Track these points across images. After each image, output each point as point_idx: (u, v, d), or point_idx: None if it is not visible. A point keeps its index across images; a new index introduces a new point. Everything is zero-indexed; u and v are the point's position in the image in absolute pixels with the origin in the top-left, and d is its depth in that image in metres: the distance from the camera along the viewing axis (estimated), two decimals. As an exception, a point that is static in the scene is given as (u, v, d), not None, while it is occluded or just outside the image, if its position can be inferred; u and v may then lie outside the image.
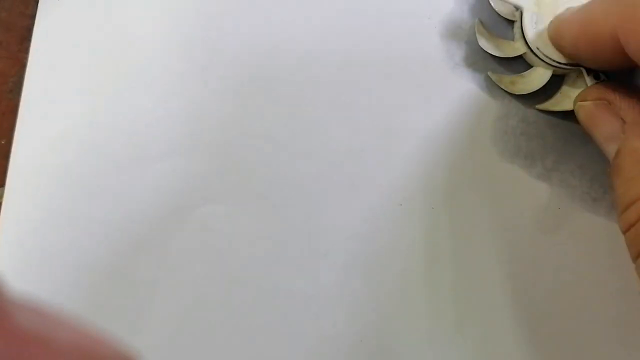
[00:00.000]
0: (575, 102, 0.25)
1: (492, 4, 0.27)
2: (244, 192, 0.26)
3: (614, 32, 0.21)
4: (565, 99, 0.26)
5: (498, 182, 0.27)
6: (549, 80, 0.26)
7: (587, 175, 0.27)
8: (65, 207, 0.26)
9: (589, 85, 0.25)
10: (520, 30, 0.26)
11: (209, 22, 0.27)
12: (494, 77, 0.27)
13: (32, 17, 0.27)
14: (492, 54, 0.26)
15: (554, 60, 0.25)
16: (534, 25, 0.25)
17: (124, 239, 0.26)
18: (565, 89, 0.26)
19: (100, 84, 0.26)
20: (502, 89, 0.27)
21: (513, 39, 0.27)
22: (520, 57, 0.27)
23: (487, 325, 0.26)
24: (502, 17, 0.27)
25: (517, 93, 0.26)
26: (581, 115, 0.24)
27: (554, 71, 0.26)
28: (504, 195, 0.27)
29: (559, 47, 0.25)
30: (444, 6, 0.27)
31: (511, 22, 0.27)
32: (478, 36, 0.26)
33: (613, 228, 0.26)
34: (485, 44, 0.26)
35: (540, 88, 0.26)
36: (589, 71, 0.25)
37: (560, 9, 0.25)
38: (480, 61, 0.27)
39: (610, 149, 0.23)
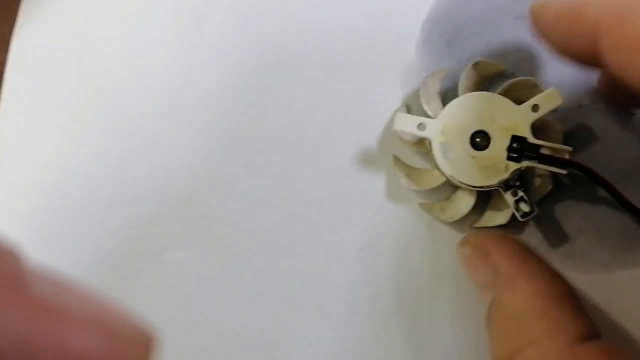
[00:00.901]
0: (457, 245, 0.25)
1: (399, 136, 0.27)
2: (208, 239, 0.28)
3: (596, 27, 0.19)
4: (497, 214, 0.26)
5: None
6: (478, 197, 0.26)
7: (542, 224, 0.27)
8: (32, 253, 0.27)
9: (508, 202, 0.25)
10: (434, 159, 0.26)
11: (175, 71, 0.28)
12: (424, 207, 0.27)
13: (3, 63, 0.28)
14: (414, 189, 0.27)
15: (471, 185, 0.26)
16: (445, 155, 0.26)
17: (89, 283, 0.27)
18: (491, 205, 0.27)
19: (69, 133, 0.28)
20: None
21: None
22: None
23: None
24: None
25: (448, 221, 0.27)
26: (460, 260, 0.25)
27: (477, 190, 0.26)
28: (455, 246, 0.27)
29: (536, 27, 0.22)
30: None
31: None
32: (397, 174, 0.27)
33: (567, 275, 0.25)
34: (405, 182, 0.27)
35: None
36: (507, 188, 0.25)
37: (466, 137, 0.26)
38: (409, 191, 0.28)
39: (485, 298, 0.23)
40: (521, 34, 0.27)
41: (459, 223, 0.27)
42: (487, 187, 0.25)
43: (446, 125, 0.26)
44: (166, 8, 0.29)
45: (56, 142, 0.28)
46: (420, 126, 0.26)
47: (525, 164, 0.25)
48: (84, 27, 0.29)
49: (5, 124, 0.29)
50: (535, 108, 0.25)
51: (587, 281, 0.27)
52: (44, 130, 0.29)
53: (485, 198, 0.27)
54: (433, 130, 0.26)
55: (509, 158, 0.25)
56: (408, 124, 0.26)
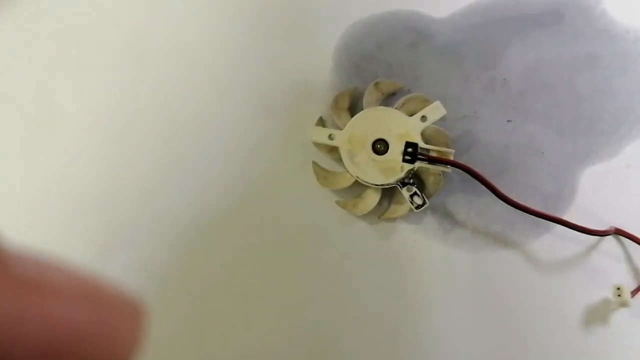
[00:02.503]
0: None
1: (315, 145, 0.32)
2: (158, 240, 0.32)
3: None
4: (399, 207, 0.32)
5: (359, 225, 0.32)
6: (382, 194, 0.32)
7: (437, 214, 0.32)
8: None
9: (405, 196, 0.31)
10: (343, 163, 0.32)
11: (124, 102, 0.33)
12: (340, 204, 0.32)
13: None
14: (331, 189, 0.32)
15: (373, 184, 0.31)
16: (351, 159, 0.31)
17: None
18: (394, 200, 0.32)
19: (34, 153, 0.33)
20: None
21: (346, 169, 0.32)
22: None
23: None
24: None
25: (359, 214, 0.32)
26: None
27: (381, 188, 0.31)
28: (368, 235, 0.32)
29: None
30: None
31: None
32: (316, 177, 0.32)
33: (459, 255, 0.32)
34: (323, 183, 0.32)
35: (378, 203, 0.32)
36: (403, 185, 0.31)
37: (368, 144, 0.31)
38: (327, 191, 0.33)
39: None
40: (414, 57, 0.33)
41: (369, 216, 0.32)
42: (388, 184, 0.31)
43: (352, 135, 0.31)
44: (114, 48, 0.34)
45: (22, 166, 0.33)
46: (330, 136, 0.31)
47: (417, 165, 0.31)
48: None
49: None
50: (423, 119, 0.31)
51: (476, 260, 0.32)
52: (12, 155, 0.33)
53: (389, 194, 0.32)
54: (341, 139, 0.31)
55: (404, 160, 0.31)
56: (321, 135, 0.31)
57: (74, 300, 0.10)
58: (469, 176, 0.31)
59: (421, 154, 0.31)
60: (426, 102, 0.32)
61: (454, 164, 0.30)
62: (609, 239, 0.31)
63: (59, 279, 0.10)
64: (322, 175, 0.32)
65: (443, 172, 0.31)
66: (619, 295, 0.30)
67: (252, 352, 0.32)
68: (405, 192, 0.31)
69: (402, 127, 0.31)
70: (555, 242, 0.32)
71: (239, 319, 0.32)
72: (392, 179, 0.31)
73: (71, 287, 0.10)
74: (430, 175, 0.32)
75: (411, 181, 0.31)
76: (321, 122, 0.33)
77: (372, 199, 0.32)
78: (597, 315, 0.31)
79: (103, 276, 0.11)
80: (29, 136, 0.34)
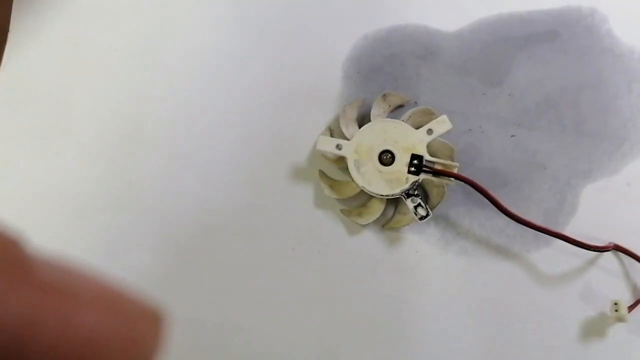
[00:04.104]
0: None
1: (322, 154, 0.33)
2: (166, 242, 0.33)
3: None
4: (403, 217, 0.32)
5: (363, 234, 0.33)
6: (387, 204, 0.32)
7: (440, 225, 0.33)
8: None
9: (409, 207, 0.31)
10: (349, 173, 0.32)
11: (135, 108, 0.34)
12: (345, 212, 0.33)
13: None
14: (336, 198, 0.33)
15: (379, 194, 0.32)
16: (358, 169, 0.32)
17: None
18: (398, 210, 0.33)
19: (50, 155, 0.34)
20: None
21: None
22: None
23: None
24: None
25: (364, 223, 0.33)
26: None
27: (386, 198, 0.32)
28: (370, 244, 0.33)
29: None
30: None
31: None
32: (322, 185, 0.33)
33: (460, 266, 0.33)
34: (328, 192, 0.33)
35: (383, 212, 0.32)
36: (408, 196, 0.31)
37: (375, 155, 0.32)
38: (332, 199, 0.33)
39: None
40: (422, 70, 0.34)
41: (373, 225, 0.33)
42: (392, 195, 0.32)
43: (359, 146, 0.32)
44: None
45: (37, 165, 0.34)
46: (338, 146, 0.32)
47: (422, 177, 0.31)
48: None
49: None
50: (429, 132, 0.31)
51: (477, 271, 0.33)
52: (26, 154, 0.34)
53: (394, 204, 0.33)
54: (348, 149, 0.32)
55: (409, 172, 0.31)
56: (328, 145, 0.32)
57: (95, 305, 0.10)
58: (472, 189, 0.31)
59: (426, 167, 0.31)
60: (432, 115, 0.32)
61: (457, 177, 0.31)
62: (608, 254, 0.32)
63: (81, 284, 0.10)
64: (328, 183, 0.33)
65: (447, 184, 0.32)
66: (616, 310, 0.31)
67: (255, 354, 0.33)
68: (409, 203, 0.31)
69: (408, 139, 0.31)
70: (554, 256, 0.32)
71: (244, 322, 0.33)
72: (397, 190, 0.31)
73: (93, 292, 0.10)
74: (434, 187, 0.32)
75: (415, 192, 0.32)
76: (329, 132, 0.33)
77: (376, 208, 0.32)
78: (594, 329, 0.32)
79: (123, 283, 0.11)
80: (45, 139, 0.34)
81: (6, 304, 0.09)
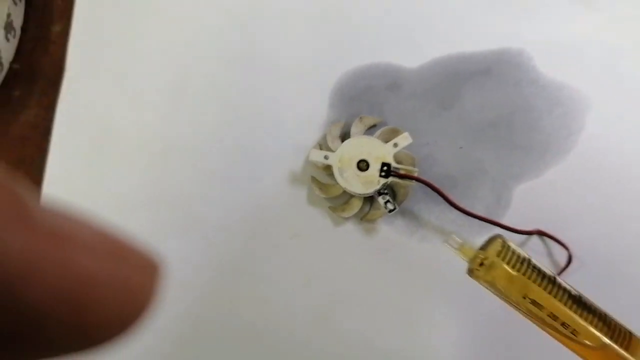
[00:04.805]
0: None
1: (313, 163, 0.43)
2: (197, 232, 0.42)
3: None
4: (377, 211, 0.42)
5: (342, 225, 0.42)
6: (364, 201, 0.42)
7: (406, 218, 0.42)
8: None
9: (380, 202, 0.41)
10: (334, 178, 0.42)
11: (166, 126, 0.43)
12: (332, 208, 0.42)
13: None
14: (324, 197, 0.42)
15: (357, 193, 0.41)
16: (341, 175, 0.41)
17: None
18: (373, 206, 0.42)
19: (95, 165, 0.42)
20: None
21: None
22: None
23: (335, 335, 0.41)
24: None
25: (346, 217, 0.42)
26: None
27: (363, 197, 0.42)
28: (352, 233, 0.42)
29: None
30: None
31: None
32: (313, 188, 0.42)
33: (422, 249, 0.41)
34: (319, 192, 0.42)
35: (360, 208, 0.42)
36: (379, 194, 0.41)
37: (354, 163, 0.41)
38: (322, 199, 0.43)
39: None
40: (390, 98, 0.43)
41: (353, 218, 0.42)
42: (368, 194, 0.41)
43: (342, 156, 0.41)
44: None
45: (90, 174, 0.43)
46: (326, 157, 0.41)
47: (390, 179, 0.41)
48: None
49: (56, 161, 0.43)
50: (395, 145, 0.41)
51: (435, 253, 0.42)
52: (83, 166, 0.43)
53: (369, 201, 0.42)
54: (333, 159, 0.41)
55: (381, 176, 0.41)
56: (318, 156, 0.41)
57: (94, 249, 0.10)
58: (429, 189, 0.41)
59: (393, 172, 0.41)
60: (398, 132, 0.42)
61: (418, 180, 0.40)
62: (534, 238, 0.42)
63: (81, 230, 0.10)
64: (319, 186, 0.42)
65: (410, 185, 0.41)
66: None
67: (258, 324, 0.42)
68: (380, 200, 0.41)
69: (379, 151, 0.41)
70: (494, 240, 0.42)
71: (253, 296, 0.42)
72: (371, 190, 0.41)
73: (92, 237, 0.11)
74: (400, 187, 0.42)
75: (385, 192, 0.41)
76: (319, 146, 0.43)
77: (356, 205, 0.42)
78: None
79: (124, 231, 0.11)
80: (92, 152, 0.44)
81: (4, 245, 0.09)
